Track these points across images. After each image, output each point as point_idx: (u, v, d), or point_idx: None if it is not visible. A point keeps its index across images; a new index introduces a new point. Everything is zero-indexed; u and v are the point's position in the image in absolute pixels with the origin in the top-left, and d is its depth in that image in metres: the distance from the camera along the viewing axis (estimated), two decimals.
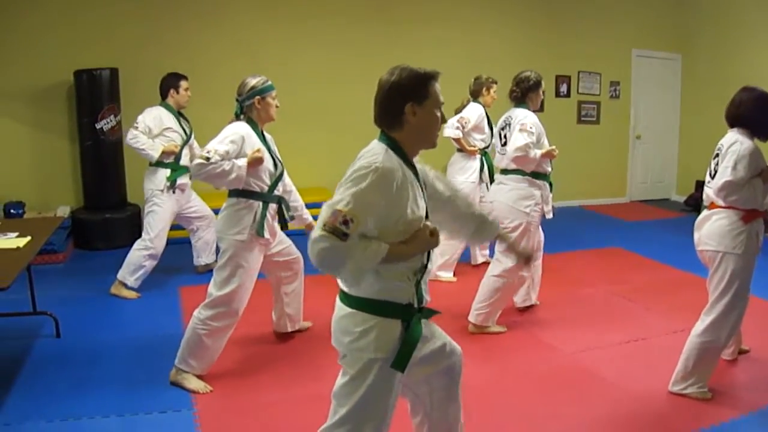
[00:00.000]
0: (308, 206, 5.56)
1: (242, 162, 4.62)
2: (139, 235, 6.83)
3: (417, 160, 2.92)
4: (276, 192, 4.92)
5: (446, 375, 3.15)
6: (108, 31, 8.93)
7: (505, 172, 5.79)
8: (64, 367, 5.06)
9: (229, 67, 8.84)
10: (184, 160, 6.84)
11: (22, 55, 8.70)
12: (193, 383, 4.73)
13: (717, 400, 4.66)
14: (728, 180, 4.28)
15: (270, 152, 4.87)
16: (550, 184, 5.85)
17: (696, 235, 4.73)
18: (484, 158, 7.25)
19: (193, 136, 7.03)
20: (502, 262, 5.72)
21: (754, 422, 4.40)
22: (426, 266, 2.86)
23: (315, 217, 3.12)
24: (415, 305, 2.84)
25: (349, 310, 2.82)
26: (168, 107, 6.84)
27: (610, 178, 12.51)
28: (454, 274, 7.47)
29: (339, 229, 2.52)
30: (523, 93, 5.78)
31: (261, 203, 4.78)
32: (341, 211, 2.54)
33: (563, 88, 11.68)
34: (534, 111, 5.83)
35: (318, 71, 9.80)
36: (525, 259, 3.63)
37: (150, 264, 6.76)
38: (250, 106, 4.76)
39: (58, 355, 5.28)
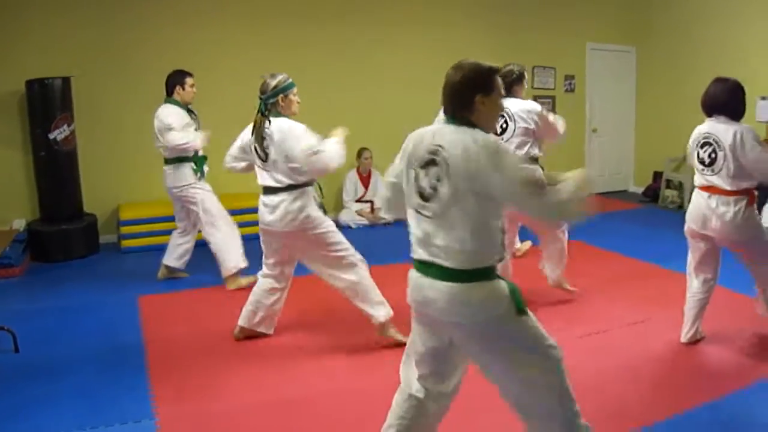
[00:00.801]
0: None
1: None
2: (97, 248, 6.75)
3: None
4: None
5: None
6: (60, 40, 8.80)
7: None
8: (23, 382, 4.97)
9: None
10: (200, 150, 7.01)
11: None
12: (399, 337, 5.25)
13: (671, 391, 4.72)
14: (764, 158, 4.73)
15: None
16: None
17: (708, 223, 5.04)
18: None
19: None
20: None
21: (706, 413, 4.42)
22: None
23: None
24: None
25: (461, 285, 2.97)
26: (177, 103, 6.92)
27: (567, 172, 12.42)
28: None
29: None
30: (508, 86, 5.98)
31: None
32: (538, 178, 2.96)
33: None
34: None
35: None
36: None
37: (237, 230, 7.09)
38: (274, 104, 5.07)
39: (17, 371, 5.18)
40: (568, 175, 3.08)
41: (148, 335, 5.84)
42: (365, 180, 10.32)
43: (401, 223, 3.38)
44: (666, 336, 5.67)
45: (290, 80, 5.14)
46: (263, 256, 5.52)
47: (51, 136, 8.39)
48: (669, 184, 11.85)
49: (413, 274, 3.15)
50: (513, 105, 6.06)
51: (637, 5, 12.72)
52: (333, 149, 5.09)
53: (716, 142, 4.90)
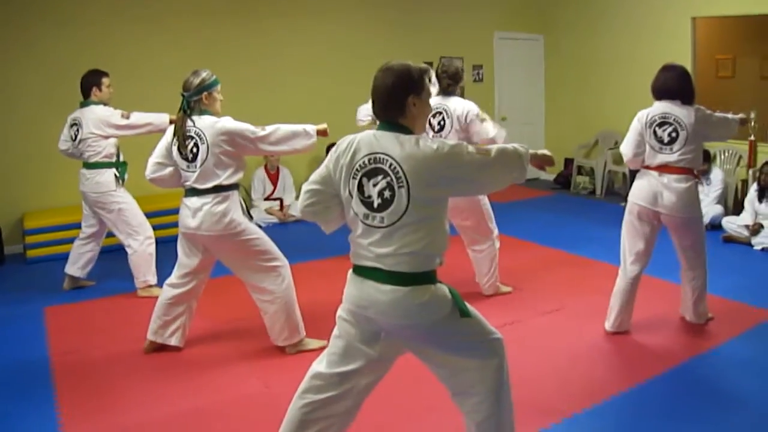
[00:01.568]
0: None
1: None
2: (2, 259, 6.43)
3: None
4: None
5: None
6: None
7: None
8: None
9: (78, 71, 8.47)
10: (121, 156, 6.75)
11: None
12: (314, 344, 5.17)
13: (588, 380, 4.68)
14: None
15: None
16: None
17: (660, 199, 5.18)
18: None
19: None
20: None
21: (622, 402, 4.40)
22: None
23: None
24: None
25: (411, 288, 2.98)
26: (95, 105, 6.58)
27: None
28: None
29: None
30: (457, 84, 6.23)
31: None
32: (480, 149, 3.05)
33: None
34: None
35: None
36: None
37: (154, 248, 6.75)
38: (198, 101, 4.85)
39: None
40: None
41: (54, 348, 5.54)
42: (273, 177, 10.09)
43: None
44: (581, 324, 5.66)
45: (214, 77, 4.93)
46: (176, 265, 5.27)
47: None
48: (580, 170, 11.93)
49: (355, 278, 3.12)
50: (452, 104, 6.09)
51: None
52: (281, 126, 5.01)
53: (677, 122, 5.11)
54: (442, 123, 6.09)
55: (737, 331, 5.46)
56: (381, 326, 3.05)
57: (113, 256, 7.75)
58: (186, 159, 4.88)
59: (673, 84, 5.20)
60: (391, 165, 2.94)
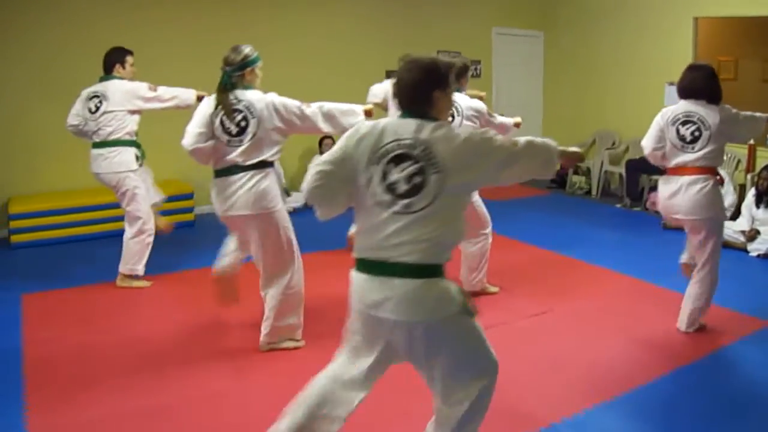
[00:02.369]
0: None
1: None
2: None
3: None
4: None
5: None
6: None
7: None
8: None
9: (64, 58, 8.33)
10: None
11: None
12: (290, 343, 5.10)
13: (571, 388, 4.54)
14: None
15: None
16: None
17: (677, 200, 5.18)
18: None
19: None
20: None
21: (605, 412, 4.27)
22: None
23: None
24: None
25: (424, 281, 2.94)
26: (121, 80, 6.47)
27: None
28: None
29: None
30: (456, 78, 5.92)
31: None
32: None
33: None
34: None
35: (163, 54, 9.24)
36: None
37: (151, 241, 6.59)
38: (240, 77, 4.81)
39: None
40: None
41: (27, 337, 5.40)
42: None
43: (306, 211, 3.18)
44: (567, 328, 5.53)
45: (256, 54, 4.90)
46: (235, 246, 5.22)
47: None
48: (577, 170, 11.79)
49: (360, 276, 3.05)
50: (461, 100, 6.01)
51: None
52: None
53: (701, 121, 5.09)
54: (450, 118, 5.88)
55: (729, 340, 5.34)
56: (390, 329, 2.99)
57: (95, 243, 7.63)
58: (229, 133, 4.77)
59: (700, 84, 5.18)
60: (424, 150, 2.91)
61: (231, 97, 4.75)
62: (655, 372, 4.76)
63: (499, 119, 6.23)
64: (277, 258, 4.93)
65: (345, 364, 3.19)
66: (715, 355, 5.07)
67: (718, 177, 5.21)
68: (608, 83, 11.65)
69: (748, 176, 8.67)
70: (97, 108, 6.33)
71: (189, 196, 8.93)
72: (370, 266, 2.99)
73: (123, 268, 6.52)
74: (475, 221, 5.94)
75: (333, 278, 5.16)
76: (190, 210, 8.94)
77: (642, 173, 10.27)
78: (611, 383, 4.59)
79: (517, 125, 6.46)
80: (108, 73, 6.49)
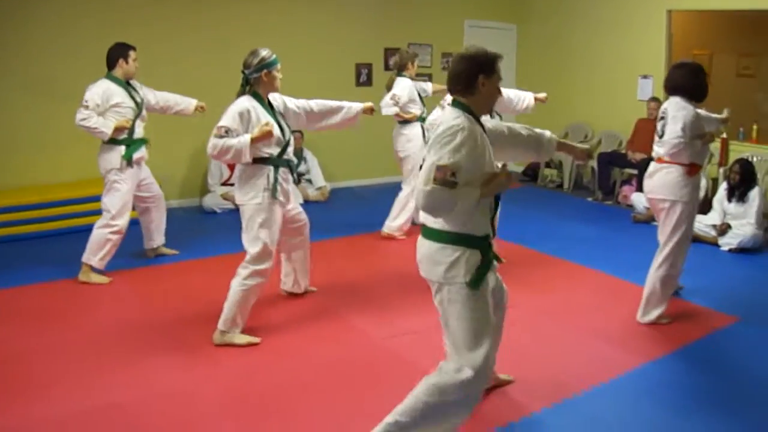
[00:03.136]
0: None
1: (246, 138, 4.86)
2: None
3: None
4: (286, 156, 5.15)
5: (500, 309, 3.84)
6: None
7: None
8: None
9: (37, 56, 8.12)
10: (138, 133, 6.57)
11: None
12: (242, 339, 5.03)
13: (527, 387, 4.42)
14: (676, 140, 5.21)
15: (277, 121, 5.08)
16: None
17: (647, 183, 5.54)
18: (423, 125, 7.79)
19: (145, 106, 6.67)
20: None
21: (578, 406, 4.18)
22: (496, 206, 3.52)
23: None
24: (490, 237, 3.46)
25: (438, 244, 3.38)
26: (115, 79, 6.43)
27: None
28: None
29: (449, 181, 3.12)
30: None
31: (272, 167, 5.04)
32: (446, 166, 3.13)
33: (392, 61, 11.18)
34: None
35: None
36: (586, 154, 4.09)
37: (116, 240, 6.48)
38: (257, 79, 4.99)
39: None
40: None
41: None
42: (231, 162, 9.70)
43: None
44: (532, 324, 5.42)
45: (274, 56, 5.03)
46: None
47: None
48: (549, 163, 11.68)
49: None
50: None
51: None
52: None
53: (666, 117, 5.39)
54: None
55: (698, 335, 5.25)
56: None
57: (50, 240, 7.57)
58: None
59: (679, 80, 5.39)
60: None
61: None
62: (618, 369, 4.65)
63: None
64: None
65: None
66: (683, 351, 4.98)
67: (690, 167, 5.31)
68: (581, 76, 11.53)
69: (721, 170, 8.58)
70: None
71: None
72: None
73: (85, 259, 6.43)
74: None
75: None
76: None
77: (614, 167, 10.19)
78: (573, 381, 4.48)
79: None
80: (111, 68, 6.47)
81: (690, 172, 5.31)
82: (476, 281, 3.33)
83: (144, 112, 6.64)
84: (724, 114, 5.99)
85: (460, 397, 3.37)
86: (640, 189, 9.37)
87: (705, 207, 8.16)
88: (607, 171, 10.25)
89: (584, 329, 5.34)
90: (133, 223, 6.77)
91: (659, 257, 5.41)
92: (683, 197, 5.29)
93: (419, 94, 8.02)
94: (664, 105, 5.48)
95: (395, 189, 8.03)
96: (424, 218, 3.45)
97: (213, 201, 9.31)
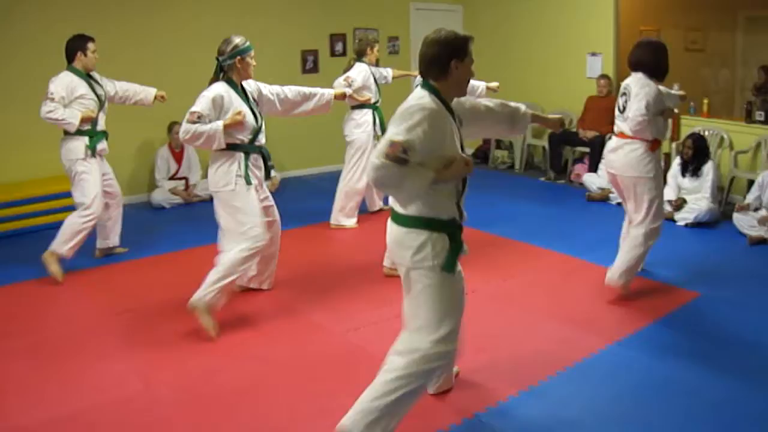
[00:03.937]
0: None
1: (219, 125, 4.90)
2: None
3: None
4: (257, 142, 5.22)
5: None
6: None
7: None
8: None
9: None
10: (101, 125, 6.53)
11: None
12: (209, 321, 4.94)
13: (497, 376, 4.31)
14: (641, 118, 5.28)
15: (250, 107, 5.14)
16: None
17: (610, 157, 5.61)
18: (375, 112, 7.86)
19: (107, 98, 6.64)
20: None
21: (545, 393, 4.08)
22: (462, 190, 3.49)
23: None
24: (457, 221, 3.45)
25: (405, 229, 3.38)
26: (76, 71, 6.36)
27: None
28: (357, 221, 7.95)
29: (400, 158, 3.08)
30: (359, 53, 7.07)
31: (243, 154, 5.10)
32: (399, 142, 3.10)
33: (338, 47, 11.06)
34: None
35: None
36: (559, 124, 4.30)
37: (89, 229, 6.44)
38: (231, 66, 5.06)
39: None
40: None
41: None
42: (178, 156, 9.36)
43: None
44: (493, 309, 5.30)
45: (248, 43, 5.12)
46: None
47: None
48: (499, 144, 11.60)
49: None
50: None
51: None
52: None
53: (628, 93, 5.49)
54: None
55: (661, 313, 5.20)
56: None
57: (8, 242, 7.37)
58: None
59: (641, 57, 5.49)
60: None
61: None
62: (583, 352, 4.57)
63: None
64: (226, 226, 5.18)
65: None
66: (648, 330, 4.92)
67: (653, 143, 5.42)
68: (530, 56, 11.41)
69: (673, 145, 8.56)
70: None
71: None
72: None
73: (53, 247, 6.33)
74: None
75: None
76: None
77: (565, 145, 10.12)
78: (539, 367, 4.39)
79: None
80: (70, 61, 6.39)
81: (653, 148, 5.41)
82: (449, 264, 3.35)
83: (106, 104, 6.59)
84: (676, 89, 6.09)
85: (415, 378, 3.34)
86: (592, 168, 9.37)
87: None
88: (558, 150, 10.18)
89: (547, 312, 5.25)
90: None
91: (636, 230, 5.50)
92: (648, 173, 5.40)
93: (376, 82, 7.98)
94: (627, 81, 5.56)
95: None
96: (392, 202, 3.47)
97: (161, 196, 9.04)
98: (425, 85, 3.42)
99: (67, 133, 6.36)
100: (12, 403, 4.15)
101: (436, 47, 3.38)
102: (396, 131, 3.15)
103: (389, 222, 3.47)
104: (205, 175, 8.44)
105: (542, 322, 5.08)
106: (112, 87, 6.66)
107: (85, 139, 6.36)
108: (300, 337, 4.95)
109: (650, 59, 5.42)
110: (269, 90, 5.43)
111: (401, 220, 3.39)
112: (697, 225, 7.43)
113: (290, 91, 5.54)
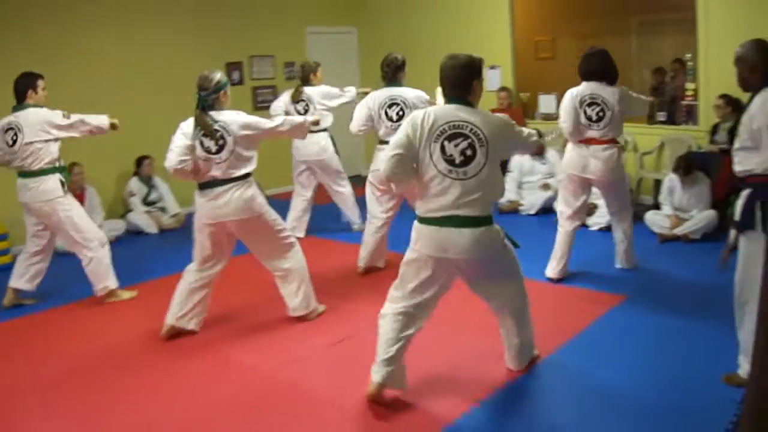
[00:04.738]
0: None
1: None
2: None
3: None
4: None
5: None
6: None
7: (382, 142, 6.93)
8: None
9: None
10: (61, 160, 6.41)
11: None
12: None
13: (435, 400, 4.23)
14: (621, 124, 6.00)
15: (210, 134, 5.18)
16: None
17: (592, 163, 5.97)
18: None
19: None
20: None
21: (482, 413, 4.01)
22: None
23: None
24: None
25: (484, 228, 3.89)
26: (35, 107, 6.21)
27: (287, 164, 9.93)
28: None
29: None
30: (393, 73, 7.18)
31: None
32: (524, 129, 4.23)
33: (235, 76, 10.86)
34: None
35: None
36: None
37: (108, 252, 6.49)
38: (215, 99, 5.21)
39: None
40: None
41: None
42: (79, 198, 8.63)
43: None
44: (426, 327, 5.13)
45: (226, 78, 5.33)
46: (197, 253, 5.46)
47: None
48: None
49: (429, 228, 3.92)
50: (405, 93, 6.98)
51: None
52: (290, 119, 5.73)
53: (604, 103, 5.85)
54: (400, 113, 6.85)
55: (587, 321, 5.26)
56: (457, 264, 3.94)
57: None
58: (209, 152, 5.16)
59: (597, 66, 5.89)
60: (471, 130, 3.83)
61: (208, 118, 5.14)
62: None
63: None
64: (273, 248, 5.52)
65: (408, 298, 4.10)
66: (577, 339, 4.95)
67: (619, 145, 6.08)
68: (431, 71, 11.30)
69: None
70: (14, 141, 6.11)
71: (2, 237, 8.08)
72: (438, 221, 3.87)
73: (97, 290, 6.43)
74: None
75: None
76: (5, 252, 8.05)
77: None
78: (474, 386, 4.32)
79: None
80: (21, 101, 6.23)
81: (622, 149, 6.18)
82: (513, 241, 4.17)
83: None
84: (651, 98, 7.19)
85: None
86: None
87: None
88: None
89: (477, 327, 5.15)
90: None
91: (621, 215, 6.30)
92: (625, 177, 6.34)
93: (306, 105, 8.50)
94: (592, 90, 5.89)
95: None
96: (460, 209, 3.84)
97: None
98: (462, 101, 3.95)
99: (34, 174, 6.15)
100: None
101: (462, 70, 3.94)
102: (521, 130, 4.14)
103: (449, 229, 3.84)
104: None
105: (473, 340, 5.04)
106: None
107: (59, 176, 6.25)
108: (229, 380, 4.69)
109: (605, 67, 5.87)
110: (245, 122, 5.35)
111: (485, 221, 3.90)
112: (608, 229, 7.39)
113: (264, 122, 5.55)
